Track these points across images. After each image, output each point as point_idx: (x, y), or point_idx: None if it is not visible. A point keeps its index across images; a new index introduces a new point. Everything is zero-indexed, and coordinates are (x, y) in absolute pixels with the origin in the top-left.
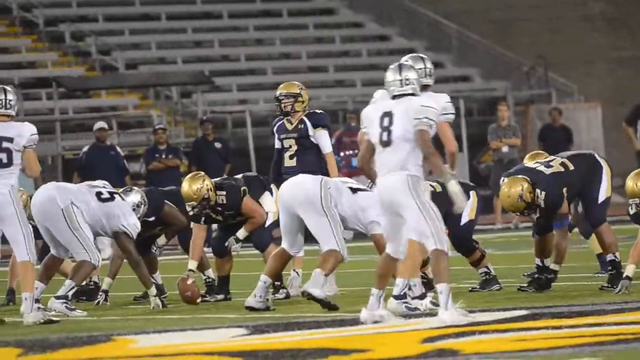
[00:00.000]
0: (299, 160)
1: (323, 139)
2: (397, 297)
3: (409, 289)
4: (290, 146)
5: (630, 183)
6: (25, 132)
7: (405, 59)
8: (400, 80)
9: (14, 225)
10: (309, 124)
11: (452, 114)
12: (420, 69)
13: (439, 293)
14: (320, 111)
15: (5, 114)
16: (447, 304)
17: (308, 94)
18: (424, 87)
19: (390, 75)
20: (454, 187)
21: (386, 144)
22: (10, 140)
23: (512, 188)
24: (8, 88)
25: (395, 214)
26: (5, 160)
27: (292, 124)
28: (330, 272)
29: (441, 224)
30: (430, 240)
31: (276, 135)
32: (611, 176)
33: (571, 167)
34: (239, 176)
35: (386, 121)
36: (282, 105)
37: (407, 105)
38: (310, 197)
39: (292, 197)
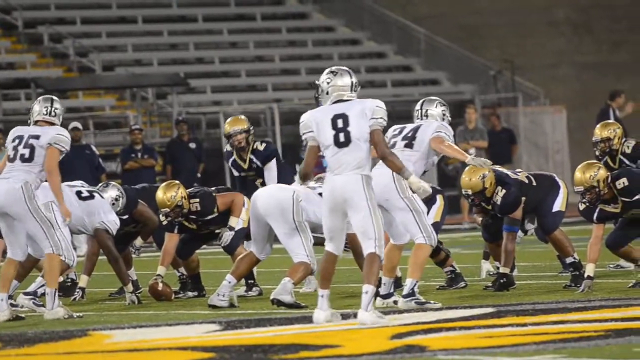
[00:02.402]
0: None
1: (272, 174)
2: (406, 296)
3: (382, 285)
4: (255, 179)
5: (578, 173)
6: (51, 131)
7: (337, 69)
8: (351, 84)
9: (29, 221)
10: (258, 162)
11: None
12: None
13: (364, 293)
14: (263, 145)
15: (47, 120)
16: (368, 305)
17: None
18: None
19: (341, 80)
20: (415, 181)
21: (343, 144)
22: (37, 137)
23: (477, 170)
24: (56, 98)
25: (342, 213)
26: (27, 156)
27: (244, 161)
28: (299, 282)
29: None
30: (371, 243)
31: (233, 170)
32: (568, 196)
33: (534, 183)
34: (213, 189)
35: (340, 122)
36: (236, 141)
37: (362, 106)
38: (282, 209)
39: (264, 208)
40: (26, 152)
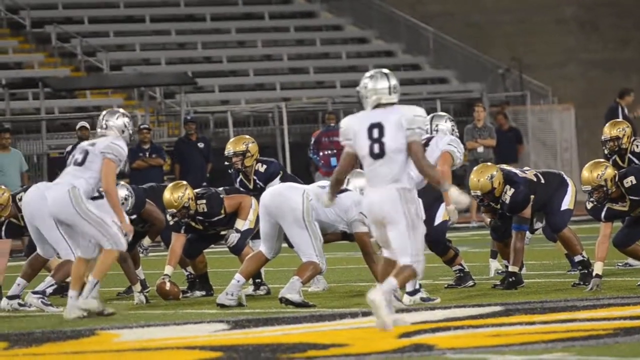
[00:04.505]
0: None
1: None
2: (410, 293)
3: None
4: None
5: (585, 172)
6: (107, 140)
7: (375, 72)
8: (389, 87)
9: (82, 224)
10: (262, 184)
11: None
12: None
13: (387, 282)
14: (264, 167)
15: (102, 134)
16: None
17: (256, 146)
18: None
19: (378, 83)
20: (455, 194)
21: (378, 156)
22: (93, 144)
23: (485, 170)
24: (116, 110)
25: (383, 226)
26: (79, 160)
27: (250, 181)
28: (307, 281)
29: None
30: (407, 259)
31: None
32: (576, 194)
33: (542, 181)
34: (220, 189)
35: (376, 132)
36: (233, 162)
37: (399, 115)
38: (292, 209)
39: (274, 207)
40: (80, 157)
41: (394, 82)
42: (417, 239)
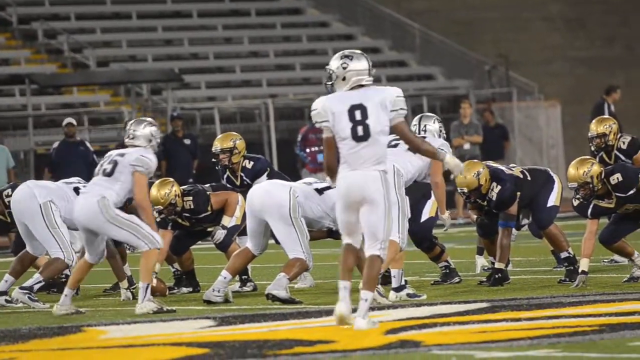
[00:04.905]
0: None
1: None
2: (396, 289)
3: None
4: None
5: (571, 169)
6: (136, 153)
7: (351, 52)
8: (369, 68)
9: (115, 231)
10: (249, 180)
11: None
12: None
13: (363, 300)
14: (251, 163)
15: (130, 144)
16: (365, 314)
17: (244, 143)
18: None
19: (360, 63)
20: (451, 160)
21: (362, 138)
22: (122, 155)
23: (471, 167)
24: (142, 120)
25: (356, 210)
26: (108, 170)
27: (237, 178)
28: (294, 278)
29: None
30: (377, 245)
31: (228, 185)
32: (562, 191)
33: (529, 178)
34: (207, 185)
35: (358, 114)
36: (220, 159)
37: (382, 96)
38: (279, 206)
39: (261, 204)
40: (109, 167)
41: (370, 62)
42: (389, 226)
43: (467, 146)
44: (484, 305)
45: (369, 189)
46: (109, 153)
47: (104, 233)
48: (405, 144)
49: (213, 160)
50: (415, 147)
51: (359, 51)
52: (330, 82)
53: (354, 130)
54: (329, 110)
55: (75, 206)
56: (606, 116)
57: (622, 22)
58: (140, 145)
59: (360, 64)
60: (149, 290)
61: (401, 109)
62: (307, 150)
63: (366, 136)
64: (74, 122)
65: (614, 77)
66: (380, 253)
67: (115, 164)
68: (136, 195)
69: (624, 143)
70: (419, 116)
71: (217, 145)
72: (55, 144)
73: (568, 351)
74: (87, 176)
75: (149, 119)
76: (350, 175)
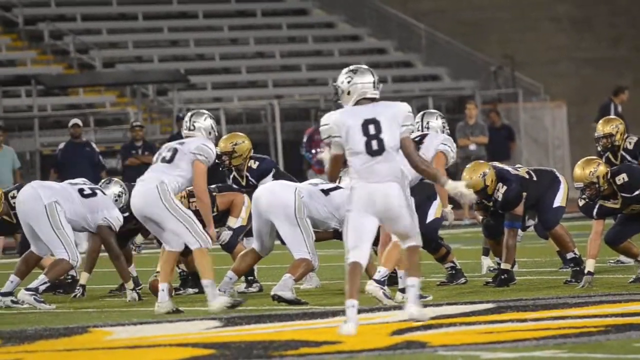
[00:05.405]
0: None
1: None
2: (403, 290)
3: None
4: None
5: (577, 170)
6: (197, 141)
7: (356, 67)
8: (374, 82)
9: (170, 221)
10: (254, 181)
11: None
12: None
13: (411, 286)
14: (256, 164)
15: (189, 135)
16: (416, 299)
17: (249, 144)
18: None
19: (364, 77)
20: (453, 187)
21: (377, 152)
22: (182, 143)
23: (477, 168)
24: (201, 112)
25: (378, 218)
26: (167, 157)
27: (242, 178)
28: (299, 279)
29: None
30: (412, 240)
31: (234, 185)
32: (568, 191)
33: (535, 178)
34: (213, 186)
35: (372, 129)
36: (222, 161)
37: (394, 111)
38: (284, 206)
39: (266, 205)
40: (168, 154)
41: (376, 77)
42: (415, 222)
43: (472, 147)
44: (489, 306)
45: (393, 203)
46: (166, 144)
47: (160, 222)
48: (407, 160)
49: (216, 161)
50: (417, 169)
51: (365, 66)
52: (336, 98)
53: (368, 145)
54: (343, 124)
55: (133, 193)
56: (613, 116)
57: (628, 22)
58: (200, 136)
59: (365, 78)
60: (213, 287)
61: (411, 124)
62: (313, 151)
63: (381, 150)
64: (80, 123)
65: (621, 78)
66: (417, 242)
67: (175, 151)
68: (195, 186)
69: (630, 143)
70: (421, 113)
71: (218, 147)
72: (61, 145)
73: (574, 352)
74: (93, 177)
75: (207, 112)
76: (373, 186)
